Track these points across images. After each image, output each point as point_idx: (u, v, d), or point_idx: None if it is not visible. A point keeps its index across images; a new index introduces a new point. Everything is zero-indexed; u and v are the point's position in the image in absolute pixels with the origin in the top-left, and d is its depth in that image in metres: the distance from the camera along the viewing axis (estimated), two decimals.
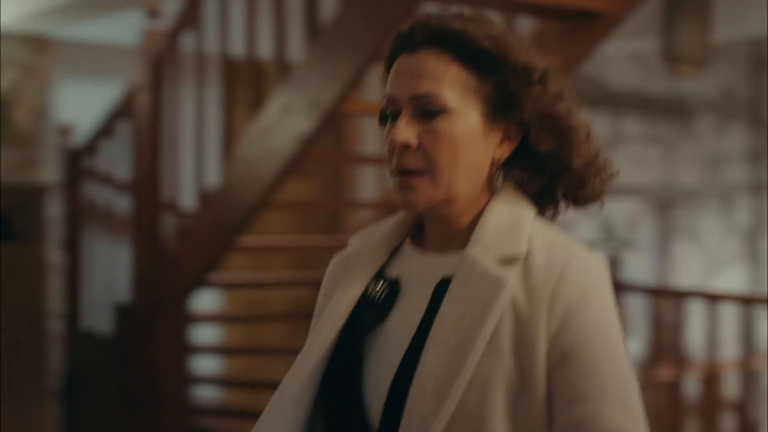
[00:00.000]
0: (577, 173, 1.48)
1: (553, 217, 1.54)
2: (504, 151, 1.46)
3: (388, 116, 1.48)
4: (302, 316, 5.54)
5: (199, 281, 5.12)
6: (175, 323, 5.17)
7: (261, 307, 6.88)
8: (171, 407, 5.19)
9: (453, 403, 1.34)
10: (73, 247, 5.86)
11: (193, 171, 4.95)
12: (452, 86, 1.43)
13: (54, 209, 5.89)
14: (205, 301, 6.04)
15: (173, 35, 5.06)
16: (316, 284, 5.24)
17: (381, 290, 1.50)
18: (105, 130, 5.70)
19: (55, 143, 6.07)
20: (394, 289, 1.49)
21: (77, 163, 5.84)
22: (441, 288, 1.44)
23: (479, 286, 1.39)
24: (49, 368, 5.74)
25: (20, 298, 5.52)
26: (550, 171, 1.48)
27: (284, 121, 4.35)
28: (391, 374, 1.41)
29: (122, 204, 5.64)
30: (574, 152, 1.47)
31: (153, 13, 5.19)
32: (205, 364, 6.28)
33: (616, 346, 1.38)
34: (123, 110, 5.53)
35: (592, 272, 1.41)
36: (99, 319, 5.63)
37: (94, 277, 5.78)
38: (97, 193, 5.82)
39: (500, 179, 1.50)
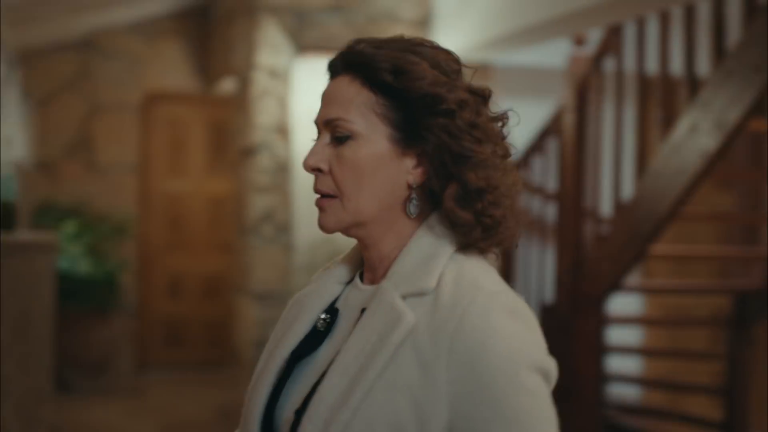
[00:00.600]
0: (480, 207, 1.39)
1: (483, 252, 1.44)
2: (417, 177, 1.42)
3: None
4: (723, 324, 5.75)
5: (615, 285, 5.46)
6: (593, 323, 5.56)
7: (682, 312, 7.08)
8: (587, 402, 5.56)
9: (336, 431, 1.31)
10: (507, 251, 6.38)
11: (611, 183, 5.32)
12: (360, 111, 1.41)
13: None
14: (622, 303, 6.36)
15: (596, 60, 5.50)
16: (736, 293, 5.43)
17: (323, 321, 1.50)
18: (536, 146, 6.21)
19: None
20: (334, 320, 1.49)
21: None
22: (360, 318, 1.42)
23: (381, 319, 1.35)
24: None
25: None
26: (456, 202, 1.40)
27: (691, 140, 4.60)
28: (300, 400, 1.40)
29: (550, 212, 6.12)
30: (475, 187, 1.38)
31: (579, 41, 5.64)
32: (623, 364, 6.59)
33: (523, 387, 1.29)
34: (552, 128, 6.02)
35: (496, 309, 1.32)
36: None
37: (526, 279, 6.28)
38: (531, 203, 6.32)
39: (414, 206, 1.43)
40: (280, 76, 6.38)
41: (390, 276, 1.40)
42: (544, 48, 6.29)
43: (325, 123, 1.44)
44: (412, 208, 1.43)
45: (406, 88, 1.39)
